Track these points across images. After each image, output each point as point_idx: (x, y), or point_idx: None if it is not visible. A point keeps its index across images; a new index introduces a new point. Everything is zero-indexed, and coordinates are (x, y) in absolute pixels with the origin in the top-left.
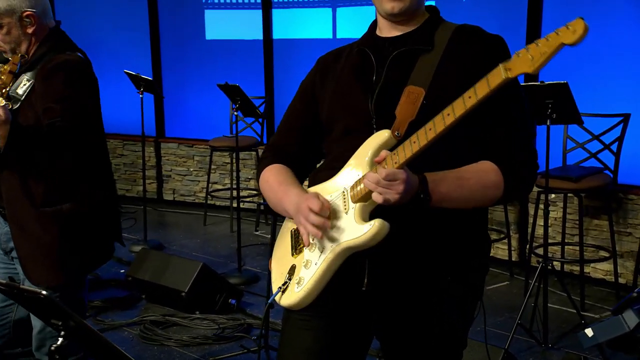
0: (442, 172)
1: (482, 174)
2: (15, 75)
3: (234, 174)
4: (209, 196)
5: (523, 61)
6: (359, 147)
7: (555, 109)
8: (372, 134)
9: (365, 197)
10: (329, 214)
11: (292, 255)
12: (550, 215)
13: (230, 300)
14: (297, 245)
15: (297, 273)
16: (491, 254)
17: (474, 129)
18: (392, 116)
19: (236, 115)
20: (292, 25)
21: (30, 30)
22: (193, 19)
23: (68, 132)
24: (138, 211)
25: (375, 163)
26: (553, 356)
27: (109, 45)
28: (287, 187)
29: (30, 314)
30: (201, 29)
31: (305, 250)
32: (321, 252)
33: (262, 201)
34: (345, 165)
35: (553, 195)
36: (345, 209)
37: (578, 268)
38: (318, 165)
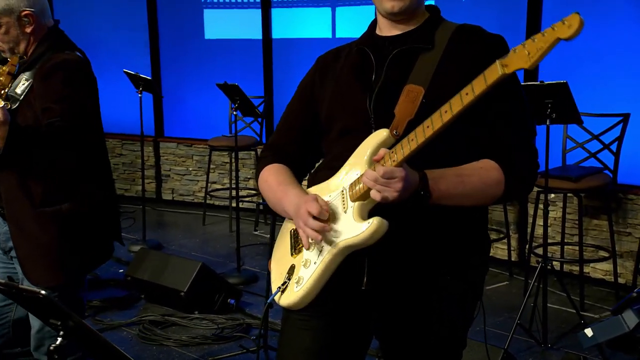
0: (442, 169)
1: (482, 172)
2: (14, 75)
3: (233, 173)
4: (208, 196)
5: (519, 57)
6: (357, 146)
7: (554, 109)
8: (370, 132)
9: (364, 195)
10: (328, 216)
11: (292, 255)
12: (549, 215)
13: (229, 300)
14: (296, 245)
15: (297, 272)
16: (490, 254)
17: (474, 127)
18: (390, 115)
19: (235, 115)
20: (292, 24)
21: (28, 30)
22: (192, 18)
23: (67, 132)
24: (137, 211)
25: (373, 162)
26: (552, 356)
27: (108, 44)
28: (286, 187)
29: (29, 314)
30: (200, 29)
31: (305, 250)
32: (320, 251)
33: (261, 201)
34: (344, 165)
35: (552, 195)
36: (344, 208)
37: (577, 268)
38: (317, 165)
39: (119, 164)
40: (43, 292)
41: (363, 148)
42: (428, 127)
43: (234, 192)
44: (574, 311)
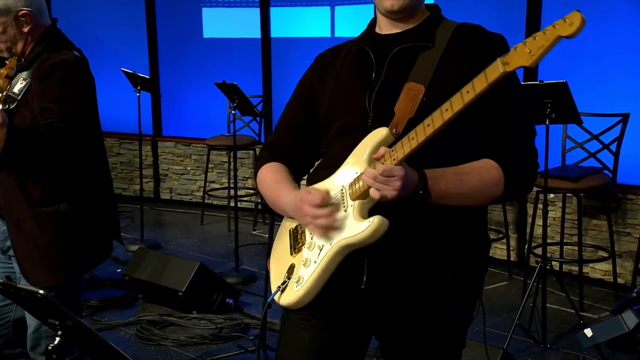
0: (442, 168)
1: (482, 172)
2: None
3: (232, 173)
4: (206, 195)
5: (520, 55)
6: (356, 145)
7: (554, 109)
8: (369, 131)
9: (364, 194)
10: (330, 199)
11: (291, 254)
12: (549, 215)
13: (227, 300)
14: (295, 245)
15: (297, 272)
16: (490, 254)
17: (474, 126)
18: (390, 114)
19: (234, 114)
20: (290, 23)
21: (26, 30)
22: (190, 17)
23: (65, 132)
24: (135, 210)
25: (373, 160)
26: (552, 356)
27: (106, 43)
28: (282, 185)
29: (26, 314)
30: (198, 27)
31: (304, 249)
32: (320, 251)
33: (259, 200)
34: (344, 163)
35: (552, 195)
36: (344, 206)
37: (577, 268)
38: (317, 164)
39: (117, 163)
40: (41, 291)
41: (362, 146)
42: (429, 125)
43: (232, 192)
44: (573, 311)
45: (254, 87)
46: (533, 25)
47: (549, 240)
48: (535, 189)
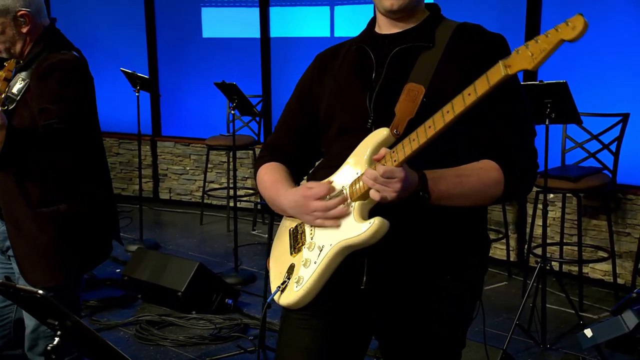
0: (442, 169)
1: (482, 172)
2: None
3: (231, 173)
4: (205, 195)
5: (523, 58)
6: (356, 145)
7: (554, 109)
8: (370, 131)
9: (364, 195)
10: (333, 189)
11: (291, 254)
12: (548, 215)
13: (226, 300)
14: (295, 244)
15: (296, 272)
16: (489, 254)
17: (475, 128)
18: (390, 114)
19: (233, 114)
20: (290, 23)
21: (24, 30)
22: (190, 16)
23: (65, 133)
24: (134, 210)
25: (374, 161)
26: (551, 357)
27: (105, 43)
28: (280, 185)
29: (24, 314)
30: (198, 27)
31: (304, 249)
32: (320, 251)
33: (259, 200)
34: (344, 164)
35: (552, 195)
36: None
37: (576, 268)
38: (317, 164)
39: (116, 163)
40: (41, 291)
41: (363, 147)
42: (430, 127)
43: (231, 192)
44: (573, 312)
45: (253, 87)
46: (533, 25)
47: (548, 241)
48: (535, 189)
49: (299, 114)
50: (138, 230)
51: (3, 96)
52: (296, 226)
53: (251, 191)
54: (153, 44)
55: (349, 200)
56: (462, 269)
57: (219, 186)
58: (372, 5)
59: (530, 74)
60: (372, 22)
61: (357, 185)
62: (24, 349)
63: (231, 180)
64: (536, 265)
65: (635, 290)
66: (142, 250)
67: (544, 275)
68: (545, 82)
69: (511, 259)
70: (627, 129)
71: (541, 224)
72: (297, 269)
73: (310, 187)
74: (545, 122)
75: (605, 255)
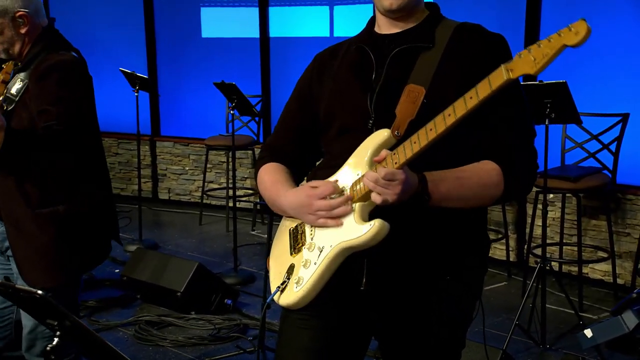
0: (442, 171)
1: (482, 174)
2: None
3: (230, 173)
4: (204, 195)
5: (525, 62)
6: (357, 145)
7: (553, 109)
8: (370, 132)
9: (364, 196)
10: (339, 188)
11: (291, 254)
12: (548, 215)
13: (226, 300)
14: (295, 245)
15: (296, 272)
16: (489, 254)
17: (475, 130)
18: (390, 115)
19: (232, 114)
20: (289, 23)
21: (23, 31)
22: (189, 16)
23: (64, 134)
24: (133, 210)
25: (374, 162)
26: (551, 357)
27: (105, 43)
28: (281, 185)
29: (22, 314)
30: (197, 27)
31: (304, 250)
32: (320, 252)
33: (258, 200)
34: (345, 164)
35: (551, 195)
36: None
37: (576, 268)
38: (317, 164)
39: (115, 163)
40: (40, 292)
41: (364, 148)
42: (431, 129)
43: (231, 192)
44: (573, 312)
45: (252, 87)
46: (532, 25)
47: (548, 241)
48: (534, 189)
49: (299, 114)
50: (137, 231)
51: (1, 98)
52: (296, 226)
53: (250, 191)
54: (152, 44)
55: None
56: (462, 270)
57: (218, 186)
58: (371, 5)
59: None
60: (372, 22)
61: (358, 187)
62: None
63: (230, 181)
64: (536, 266)
65: (635, 291)
66: (141, 250)
67: (543, 275)
68: (545, 82)
69: (511, 259)
70: (626, 129)
71: (541, 224)
72: (297, 270)
73: (314, 187)
74: (545, 122)
75: (605, 255)
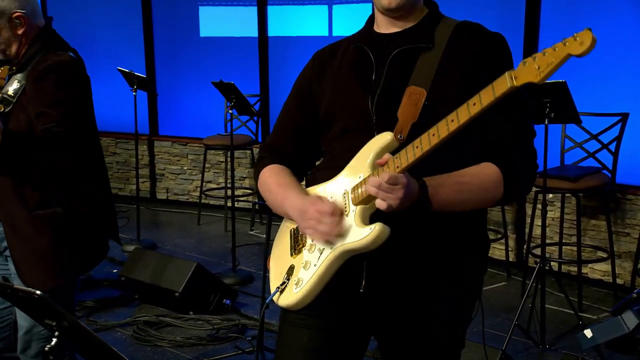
0: (442, 176)
1: (482, 177)
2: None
3: (229, 172)
4: (203, 195)
5: (529, 70)
6: (358, 146)
7: (553, 108)
8: (371, 133)
9: (366, 199)
10: (341, 211)
11: (291, 255)
12: (547, 215)
13: (224, 300)
14: (296, 246)
15: (296, 274)
16: (489, 254)
17: (477, 135)
18: (392, 116)
19: (231, 114)
20: (288, 22)
21: (20, 32)
22: (187, 15)
23: (64, 136)
24: (131, 210)
25: (377, 165)
26: (550, 357)
27: (102, 42)
28: (286, 189)
29: (18, 315)
30: (195, 26)
31: (305, 251)
32: (320, 254)
33: (257, 200)
34: (347, 167)
35: (551, 195)
36: (346, 211)
37: (576, 268)
38: (317, 164)
39: (113, 163)
40: (38, 292)
41: (366, 151)
42: (434, 135)
43: (229, 192)
44: (572, 312)
45: (251, 86)
46: (532, 25)
47: (547, 241)
48: (534, 189)
49: (298, 113)
50: (135, 231)
51: None
52: (297, 227)
53: (249, 191)
54: (150, 43)
55: (349, 207)
56: (462, 271)
57: (217, 186)
58: (370, 5)
59: None
60: (371, 20)
61: (360, 190)
62: None
63: (229, 180)
64: (535, 266)
65: (635, 291)
66: (140, 250)
67: (543, 275)
68: (545, 81)
69: (510, 259)
70: (626, 129)
71: (540, 224)
72: (296, 271)
73: (320, 199)
74: (545, 121)
75: (604, 255)
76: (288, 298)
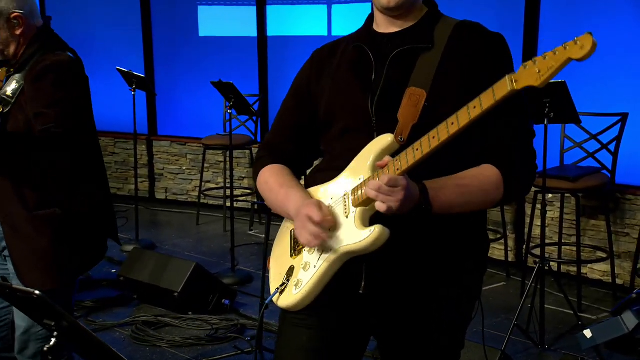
0: (442, 179)
1: (482, 179)
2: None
3: (228, 172)
4: (202, 195)
5: (530, 74)
6: (358, 146)
7: (552, 108)
8: (371, 134)
9: (366, 201)
10: (330, 227)
11: (291, 255)
12: (547, 215)
13: (223, 300)
14: (296, 247)
15: (296, 275)
16: (488, 254)
17: (477, 137)
18: (391, 117)
19: (230, 113)
20: (287, 22)
21: (18, 32)
22: (186, 15)
23: (62, 137)
24: (130, 210)
25: (377, 167)
26: (550, 357)
27: (101, 42)
28: (288, 190)
29: (16, 315)
30: (194, 26)
31: (305, 252)
32: (320, 255)
33: (256, 200)
34: (347, 168)
35: (550, 195)
36: (345, 213)
37: (575, 269)
38: (316, 164)
39: (112, 163)
40: (37, 292)
41: (367, 152)
42: (434, 137)
43: (228, 192)
44: (572, 312)
45: (250, 86)
46: (531, 25)
47: (547, 241)
48: (533, 189)
49: (296, 111)
50: (134, 231)
51: None
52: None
53: (248, 191)
54: (149, 43)
55: (349, 209)
56: (462, 273)
57: (216, 186)
58: (369, 4)
59: None
60: (370, 20)
61: (360, 192)
62: None
63: (228, 180)
64: (535, 266)
65: (635, 291)
66: (138, 250)
67: (542, 275)
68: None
69: (509, 260)
70: (626, 129)
71: (540, 224)
72: (296, 272)
73: (319, 206)
74: (544, 121)
75: (604, 255)
76: (287, 299)
